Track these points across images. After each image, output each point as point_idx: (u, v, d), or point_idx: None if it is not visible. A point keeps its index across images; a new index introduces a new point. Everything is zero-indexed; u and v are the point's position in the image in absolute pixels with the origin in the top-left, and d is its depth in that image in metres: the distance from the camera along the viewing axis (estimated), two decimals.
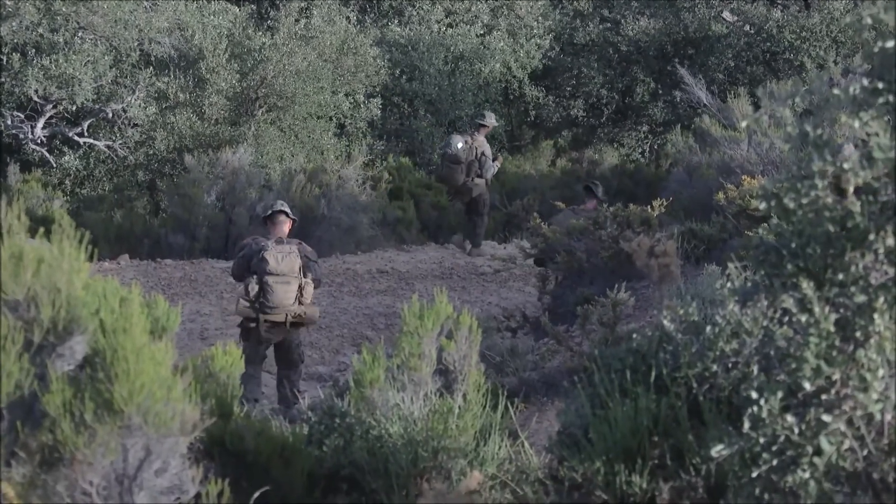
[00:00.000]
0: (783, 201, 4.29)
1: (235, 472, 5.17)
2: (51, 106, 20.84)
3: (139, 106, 21.05)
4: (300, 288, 10.86)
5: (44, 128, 21.15)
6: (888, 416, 4.21)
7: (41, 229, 4.72)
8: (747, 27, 25.52)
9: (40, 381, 4.46)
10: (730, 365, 4.58)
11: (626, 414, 4.91)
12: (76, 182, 22.20)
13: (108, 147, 21.56)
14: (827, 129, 4.29)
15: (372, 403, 5.65)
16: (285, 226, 11.17)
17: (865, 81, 4.24)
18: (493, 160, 17.76)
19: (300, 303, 10.93)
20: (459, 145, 17.32)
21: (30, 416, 4.48)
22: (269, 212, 11.36)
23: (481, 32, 27.40)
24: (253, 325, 10.96)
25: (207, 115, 22.03)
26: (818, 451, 4.15)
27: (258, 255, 10.80)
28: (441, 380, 5.87)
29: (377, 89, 25.04)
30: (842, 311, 4.21)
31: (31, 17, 20.33)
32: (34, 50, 20.42)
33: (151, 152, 22.01)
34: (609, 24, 28.04)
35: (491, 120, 17.93)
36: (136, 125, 21.57)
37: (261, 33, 23.18)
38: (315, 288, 11.08)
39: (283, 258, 10.78)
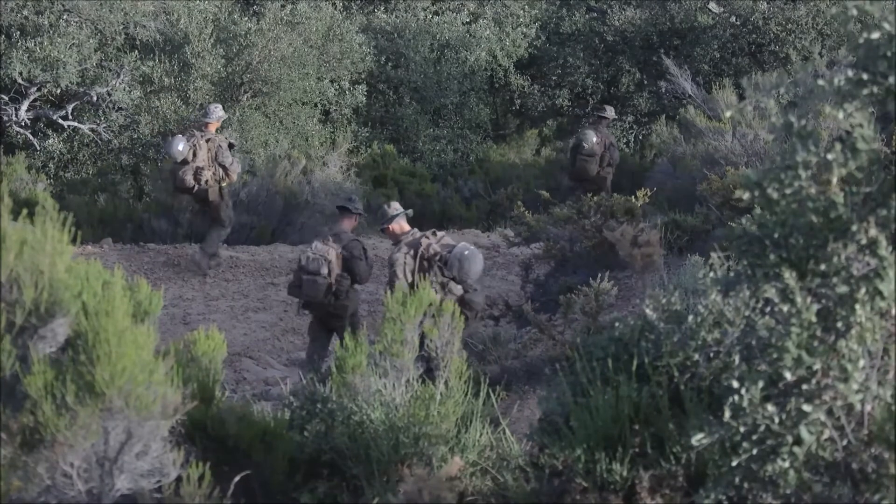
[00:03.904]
0: (767, 191, 4.30)
1: (217, 456, 5.17)
2: (35, 89, 20.70)
3: (124, 90, 20.91)
4: (329, 286, 11.39)
5: (28, 110, 21.00)
6: (868, 407, 4.23)
7: (24, 212, 4.71)
8: (733, 18, 25.51)
9: (22, 363, 4.45)
10: (711, 354, 4.60)
11: (608, 402, 4.92)
12: (60, 165, 22.07)
13: (93, 130, 21.44)
14: (811, 120, 4.30)
15: (354, 389, 5.65)
16: (343, 221, 11.47)
17: (850, 73, 4.25)
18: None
19: (335, 298, 11.45)
20: (594, 139, 17.88)
21: (11, 397, 4.47)
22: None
23: (467, 20, 27.35)
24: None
25: (192, 99, 21.93)
26: (798, 441, 4.17)
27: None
28: (423, 366, 5.87)
29: (362, 76, 25.00)
30: (823, 301, 4.23)
31: None
32: (19, 32, 20.28)
33: (136, 136, 21.87)
34: (595, 14, 28.02)
35: (611, 112, 18.73)
36: (120, 109, 21.44)
37: (246, 18, 23.05)
38: (352, 284, 11.63)
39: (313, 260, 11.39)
